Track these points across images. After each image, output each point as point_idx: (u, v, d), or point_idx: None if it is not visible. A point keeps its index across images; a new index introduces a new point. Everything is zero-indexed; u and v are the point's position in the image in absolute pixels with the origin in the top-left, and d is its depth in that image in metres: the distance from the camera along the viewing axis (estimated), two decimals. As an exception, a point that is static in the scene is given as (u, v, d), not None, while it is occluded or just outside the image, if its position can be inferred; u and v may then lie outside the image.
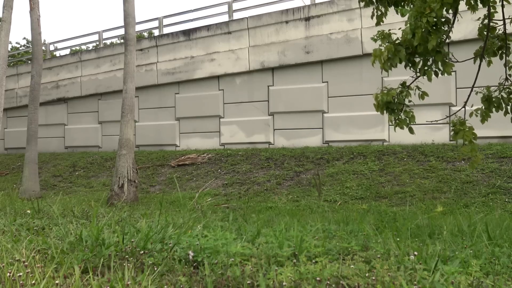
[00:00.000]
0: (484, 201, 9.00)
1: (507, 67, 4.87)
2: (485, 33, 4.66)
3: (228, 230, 4.94)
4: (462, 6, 4.38)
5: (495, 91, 4.92)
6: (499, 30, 4.76)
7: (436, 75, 4.57)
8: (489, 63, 4.83)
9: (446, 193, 9.64)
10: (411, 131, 4.88)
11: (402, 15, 4.52)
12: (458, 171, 10.45)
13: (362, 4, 4.87)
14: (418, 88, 4.81)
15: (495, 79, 5.11)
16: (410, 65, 4.59)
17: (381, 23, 4.79)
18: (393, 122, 4.90)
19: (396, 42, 4.47)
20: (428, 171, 10.74)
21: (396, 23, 4.99)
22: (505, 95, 4.86)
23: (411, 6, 4.38)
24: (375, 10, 4.79)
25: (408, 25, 4.31)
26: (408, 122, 4.84)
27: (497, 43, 4.78)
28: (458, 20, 4.52)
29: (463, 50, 9.38)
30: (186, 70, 16.48)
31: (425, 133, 12.28)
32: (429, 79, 4.57)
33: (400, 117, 4.83)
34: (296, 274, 3.14)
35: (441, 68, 4.48)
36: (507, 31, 4.77)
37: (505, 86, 4.86)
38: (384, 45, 4.46)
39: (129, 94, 11.99)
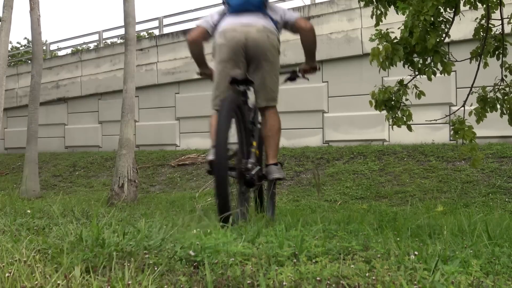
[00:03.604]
0: (484, 201, 9.00)
1: (503, 68, 4.84)
2: (482, 33, 4.65)
3: (228, 229, 4.94)
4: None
5: (491, 91, 4.89)
6: (496, 31, 4.74)
7: (434, 74, 4.54)
8: (485, 65, 4.78)
9: (446, 193, 9.64)
10: (409, 128, 4.84)
11: (401, 11, 4.46)
12: (458, 171, 10.45)
13: (362, 4, 4.84)
14: (416, 87, 4.78)
15: (496, 79, 5.10)
16: (408, 64, 4.57)
17: (380, 23, 4.77)
18: (391, 121, 4.88)
19: (394, 41, 4.44)
20: (428, 171, 10.75)
21: (395, 23, 4.98)
22: (500, 96, 4.83)
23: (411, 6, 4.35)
24: (375, 10, 4.77)
25: (405, 23, 4.28)
26: (405, 120, 4.82)
27: (494, 44, 4.76)
28: (460, 19, 4.50)
29: (463, 49, 9.37)
30: (186, 70, 16.48)
31: (425, 133, 12.28)
32: (429, 79, 4.54)
33: (397, 115, 4.81)
34: (296, 274, 3.14)
35: (440, 67, 4.45)
36: (504, 31, 4.76)
37: (500, 87, 4.83)
38: (382, 44, 4.43)
39: (129, 94, 11.99)
